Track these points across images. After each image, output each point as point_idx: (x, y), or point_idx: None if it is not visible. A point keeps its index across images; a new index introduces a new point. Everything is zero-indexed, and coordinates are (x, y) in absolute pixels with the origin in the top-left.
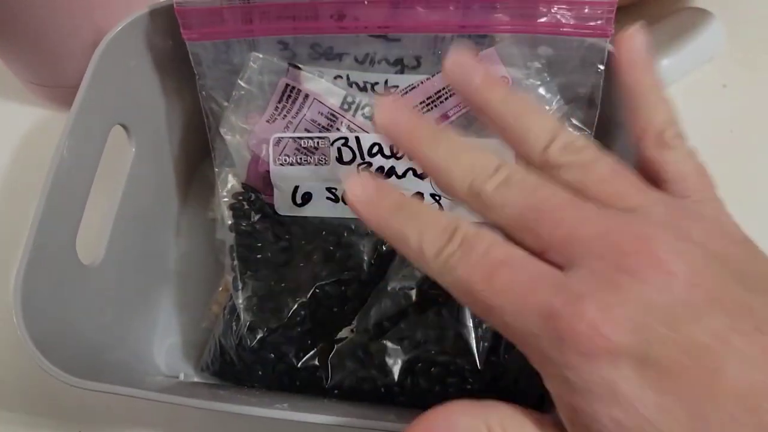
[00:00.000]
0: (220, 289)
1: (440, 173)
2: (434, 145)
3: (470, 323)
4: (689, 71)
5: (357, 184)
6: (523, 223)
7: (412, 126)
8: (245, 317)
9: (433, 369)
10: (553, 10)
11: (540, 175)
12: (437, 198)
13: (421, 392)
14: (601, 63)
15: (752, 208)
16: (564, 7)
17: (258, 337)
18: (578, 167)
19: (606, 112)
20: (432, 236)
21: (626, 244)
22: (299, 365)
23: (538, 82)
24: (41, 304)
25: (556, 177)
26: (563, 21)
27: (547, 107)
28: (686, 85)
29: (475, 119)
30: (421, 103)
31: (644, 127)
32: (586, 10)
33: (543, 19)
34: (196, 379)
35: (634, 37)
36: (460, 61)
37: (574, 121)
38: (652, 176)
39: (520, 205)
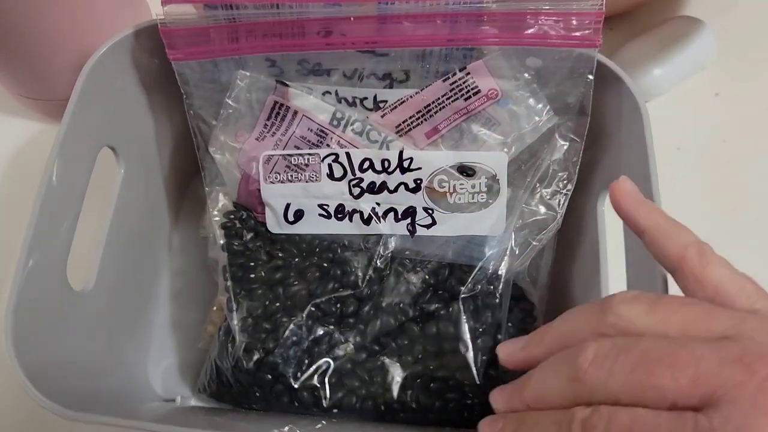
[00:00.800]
0: (214, 308)
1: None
2: None
3: (468, 337)
4: (681, 80)
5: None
6: (637, 382)
7: None
8: (241, 338)
9: (432, 384)
10: (540, 22)
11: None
12: (430, 211)
13: (422, 408)
14: (591, 73)
15: (746, 217)
16: (551, 18)
17: (254, 358)
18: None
19: (596, 122)
20: None
21: (756, 363)
22: (297, 385)
23: (528, 93)
24: (33, 336)
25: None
26: (551, 32)
27: (537, 118)
28: (678, 94)
29: (465, 133)
30: (411, 116)
31: (682, 253)
32: (574, 22)
33: (530, 31)
34: (193, 402)
35: (625, 183)
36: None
37: (565, 132)
38: (708, 296)
39: (627, 368)
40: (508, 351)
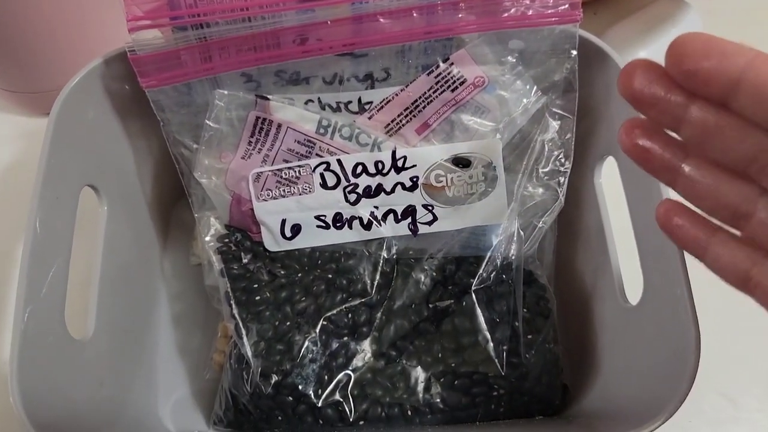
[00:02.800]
0: (219, 335)
1: None
2: None
3: (485, 329)
4: None
5: None
6: None
7: None
8: (256, 364)
9: (456, 381)
10: (517, 3)
11: None
12: (430, 208)
13: (449, 407)
14: (574, 48)
15: None
16: None
17: (273, 382)
18: None
19: (585, 97)
20: None
21: None
22: (320, 403)
23: (514, 77)
24: (41, 392)
25: None
26: (529, 12)
27: (525, 100)
28: None
29: (456, 124)
30: (399, 115)
31: None
32: None
33: (509, 13)
34: None
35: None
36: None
37: (555, 110)
38: None
39: None
40: None
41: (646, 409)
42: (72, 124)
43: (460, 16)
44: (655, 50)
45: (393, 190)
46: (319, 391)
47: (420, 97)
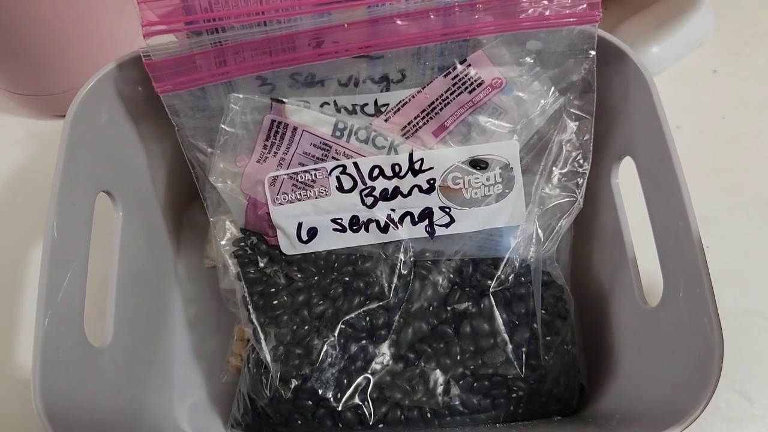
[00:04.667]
0: (235, 338)
1: None
2: None
3: (504, 331)
4: (679, 58)
5: None
6: None
7: None
8: (275, 368)
9: (476, 384)
10: (535, 3)
11: None
12: (447, 210)
13: (469, 409)
14: (592, 48)
15: (747, 194)
16: None
17: (292, 386)
18: None
19: (602, 97)
20: None
21: None
22: (340, 407)
23: (532, 78)
24: (62, 399)
25: None
26: (547, 13)
27: (543, 101)
28: (676, 72)
29: (473, 126)
30: (415, 117)
31: None
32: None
33: (527, 14)
34: None
35: None
36: None
37: (573, 111)
38: None
39: None
40: None
41: (667, 413)
42: (86, 128)
43: (477, 17)
44: (667, 46)
45: (410, 193)
46: (339, 395)
47: (437, 99)
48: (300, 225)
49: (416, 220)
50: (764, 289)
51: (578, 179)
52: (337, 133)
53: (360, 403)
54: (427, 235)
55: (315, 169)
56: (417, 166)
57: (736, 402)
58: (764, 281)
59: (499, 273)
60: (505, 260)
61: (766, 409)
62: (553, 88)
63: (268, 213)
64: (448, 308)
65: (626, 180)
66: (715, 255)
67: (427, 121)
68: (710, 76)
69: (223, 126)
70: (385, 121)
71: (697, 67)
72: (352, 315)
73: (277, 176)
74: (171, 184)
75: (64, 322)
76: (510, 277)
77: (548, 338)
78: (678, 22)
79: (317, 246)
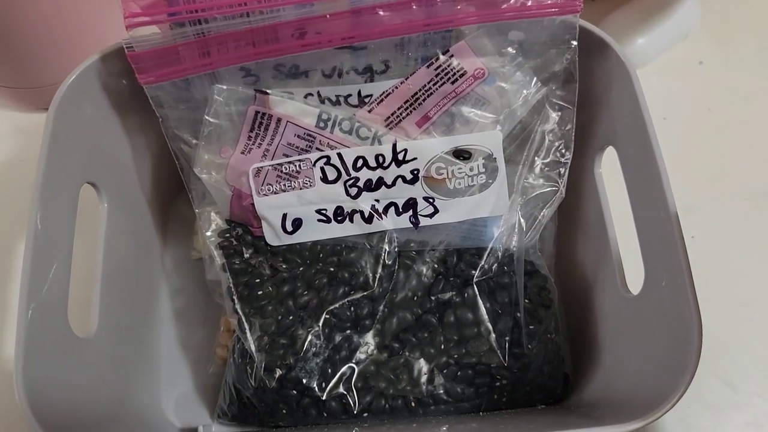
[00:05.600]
0: (221, 330)
1: None
2: None
3: (487, 320)
4: (665, 49)
5: None
6: None
7: None
8: (259, 358)
9: (459, 373)
10: None
11: None
12: (431, 200)
13: (452, 398)
14: (574, 38)
15: (732, 185)
16: None
17: (277, 376)
18: None
19: (585, 87)
20: None
21: None
22: (324, 396)
23: (514, 68)
24: (46, 390)
25: None
26: (529, 3)
27: (525, 91)
28: (662, 63)
29: (457, 116)
30: (399, 107)
31: None
32: None
33: (508, 4)
34: (214, 429)
35: None
36: None
37: (555, 101)
38: None
39: None
40: None
41: (648, 399)
42: (70, 120)
43: (459, 7)
44: (653, 37)
45: (394, 184)
46: (323, 385)
47: (420, 90)
48: (285, 216)
49: (400, 210)
50: (748, 278)
51: (560, 169)
52: (321, 124)
53: (344, 392)
54: (412, 226)
55: (299, 160)
56: (400, 156)
57: (720, 390)
58: (749, 271)
59: (482, 263)
60: (488, 250)
61: (750, 397)
62: (535, 79)
63: (253, 204)
64: (432, 298)
65: (611, 169)
66: (700, 245)
67: (411, 111)
68: (697, 68)
69: (207, 117)
70: (369, 111)
71: (684, 59)
72: (337, 305)
73: (262, 167)
74: (157, 176)
75: (47, 314)
76: (493, 267)
77: (531, 327)
78: (664, 14)
79: (302, 237)
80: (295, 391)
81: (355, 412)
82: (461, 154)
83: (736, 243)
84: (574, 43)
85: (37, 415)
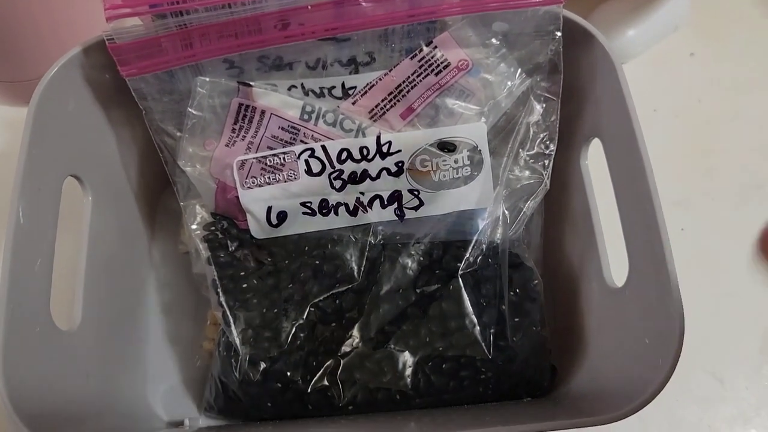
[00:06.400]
0: (208, 323)
1: None
2: None
3: (472, 313)
4: (655, 41)
5: None
6: None
7: None
8: (244, 351)
9: (444, 365)
10: None
11: None
12: (416, 193)
13: (437, 390)
14: (558, 29)
15: (721, 177)
16: None
17: (261, 369)
18: None
19: (570, 79)
20: None
21: None
22: (309, 389)
23: (498, 59)
24: (27, 384)
25: None
26: None
27: (510, 83)
28: (653, 55)
29: (441, 108)
30: (383, 99)
31: None
32: None
33: None
34: (201, 422)
35: None
36: None
37: (540, 92)
38: None
39: None
40: None
41: (633, 390)
42: (52, 114)
43: None
44: (643, 29)
45: (378, 176)
46: (308, 377)
47: (404, 82)
48: (269, 209)
49: (385, 203)
50: (737, 271)
51: (545, 161)
52: (305, 117)
53: (329, 385)
54: (397, 218)
55: (284, 153)
56: (385, 149)
57: (707, 384)
58: (737, 264)
59: (467, 255)
60: (473, 242)
61: (737, 391)
62: (519, 70)
63: (238, 197)
64: (417, 290)
65: (597, 161)
66: (689, 238)
67: (395, 103)
68: (687, 60)
69: (190, 110)
70: (353, 104)
71: (674, 51)
72: (321, 298)
73: (246, 160)
74: (143, 169)
75: (29, 307)
76: (478, 259)
77: (516, 320)
78: (654, 6)
79: (287, 230)
80: (279, 384)
81: (339, 405)
82: (446, 146)
83: (725, 236)
84: (559, 34)
85: (17, 408)
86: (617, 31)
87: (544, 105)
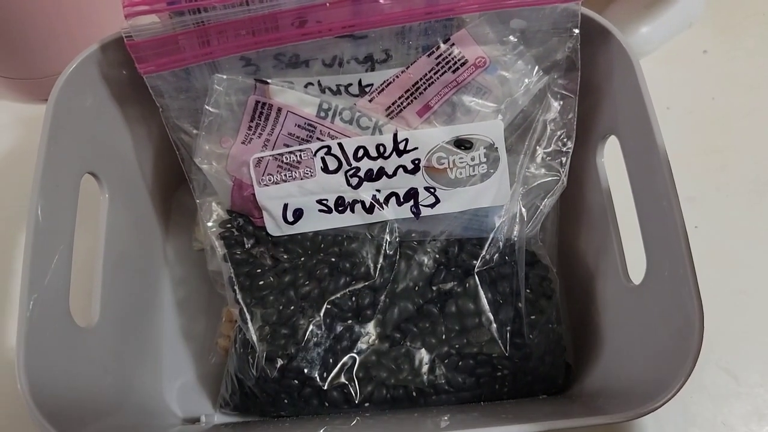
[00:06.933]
0: (223, 320)
1: None
2: None
3: (489, 310)
4: (669, 38)
5: None
6: None
7: None
8: (261, 348)
9: (460, 363)
10: None
11: None
12: (432, 190)
13: (454, 388)
14: (576, 26)
15: (735, 175)
16: None
17: (278, 366)
18: None
19: (587, 76)
20: None
21: None
22: (326, 386)
23: (515, 57)
24: (47, 380)
25: None
26: None
27: (527, 80)
28: (666, 53)
29: (458, 105)
30: (400, 97)
31: None
32: None
33: None
34: (216, 419)
35: None
36: None
37: (557, 89)
38: None
39: None
40: None
41: (650, 388)
42: (70, 111)
43: None
44: (657, 26)
45: (395, 173)
46: (325, 374)
47: (421, 79)
48: (286, 206)
49: (401, 200)
50: (751, 268)
51: (562, 158)
52: (322, 114)
53: (346, 382)
54: (413, 216)
55: (300, 150)
56: (401, 146)
57: (722, 380)
58: (751, 261)
59: (483, 253)
60: (489, 240)
61: (752, 387)
62: (537, 67)
63: (254, 194)
64: (434, 288)
65: (613, 158)
66: (704, 234)
67: (411, 101)
68: (700, 57)
69: (207, 107)
70: (370, 101)
71: (688, 48)
72: (338, 295)
73: (263, 157)
74: (158, 167)
75: (49, 304)
76: (495, 257)
77: (533, 317)
78: (668, 3)
79: (303, 227)
80: (296, 381)
81: (356, 401)
82: (462, 144)
83: (740, 232)
84: (576, 31)
85: (38, 404)
86: (631, 28)
87: (561, 102)
